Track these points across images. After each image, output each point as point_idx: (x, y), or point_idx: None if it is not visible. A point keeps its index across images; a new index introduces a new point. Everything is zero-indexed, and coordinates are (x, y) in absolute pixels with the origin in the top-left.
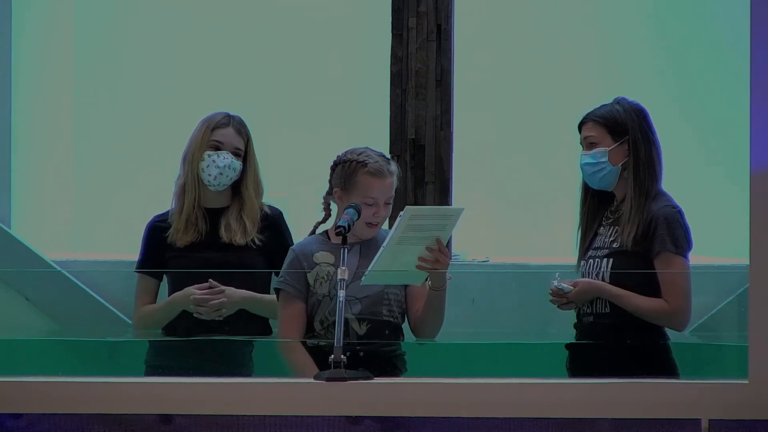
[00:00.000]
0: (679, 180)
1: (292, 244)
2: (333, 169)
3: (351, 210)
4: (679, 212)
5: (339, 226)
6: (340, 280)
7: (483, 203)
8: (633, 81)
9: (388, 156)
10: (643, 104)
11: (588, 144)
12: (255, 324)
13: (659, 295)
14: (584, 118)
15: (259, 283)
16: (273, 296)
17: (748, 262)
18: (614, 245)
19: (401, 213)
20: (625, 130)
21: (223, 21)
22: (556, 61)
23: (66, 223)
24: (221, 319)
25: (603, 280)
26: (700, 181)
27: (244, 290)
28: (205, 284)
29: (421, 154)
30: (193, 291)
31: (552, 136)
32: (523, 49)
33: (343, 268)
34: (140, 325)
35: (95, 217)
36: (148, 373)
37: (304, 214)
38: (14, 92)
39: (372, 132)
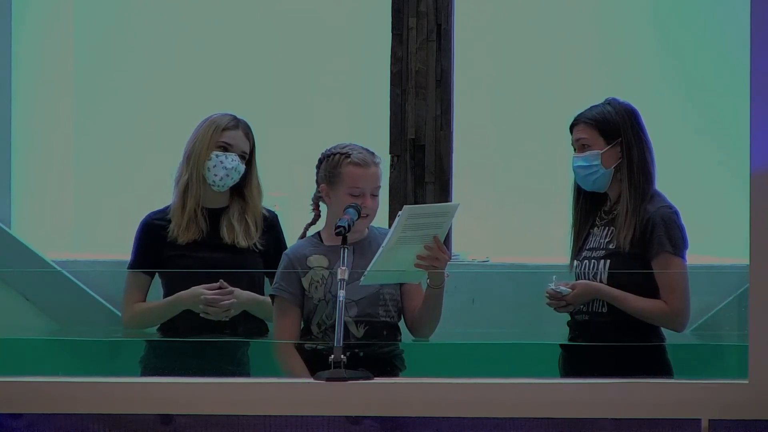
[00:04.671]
0: (679, 180)
1: (286, 247)
2: (318, 166)
3: (351, 210)
4: (675, 213)
5: (339, 226)
6: (340, 280)
7: (483, 203)
8: (633, 81)
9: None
10: (644, 104)
11: (580, 146)
12: (253, 324)
13: (657, 296)
14: (575, 119)
15: (258, 285)
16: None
17: (748, 262)
18: (610, 246)
19: (399, 213)
20: (617, 131)
21: (223, 21)
22: (556, 61)
23: (66, 223)
24: (227, 319)
25: (600, 281)
26: (700, 181)
27: (249, 292)
28: (216, 284)
29: (421, 154)
30: (203, 291)
31: (552, 136)
32: (523, 49)
33: (343, 268)
34: (133, 323)
35: (95, 217)
36: (144, 374)
37: (304, 214)
38: (14, 92)
39: (372, 132)
